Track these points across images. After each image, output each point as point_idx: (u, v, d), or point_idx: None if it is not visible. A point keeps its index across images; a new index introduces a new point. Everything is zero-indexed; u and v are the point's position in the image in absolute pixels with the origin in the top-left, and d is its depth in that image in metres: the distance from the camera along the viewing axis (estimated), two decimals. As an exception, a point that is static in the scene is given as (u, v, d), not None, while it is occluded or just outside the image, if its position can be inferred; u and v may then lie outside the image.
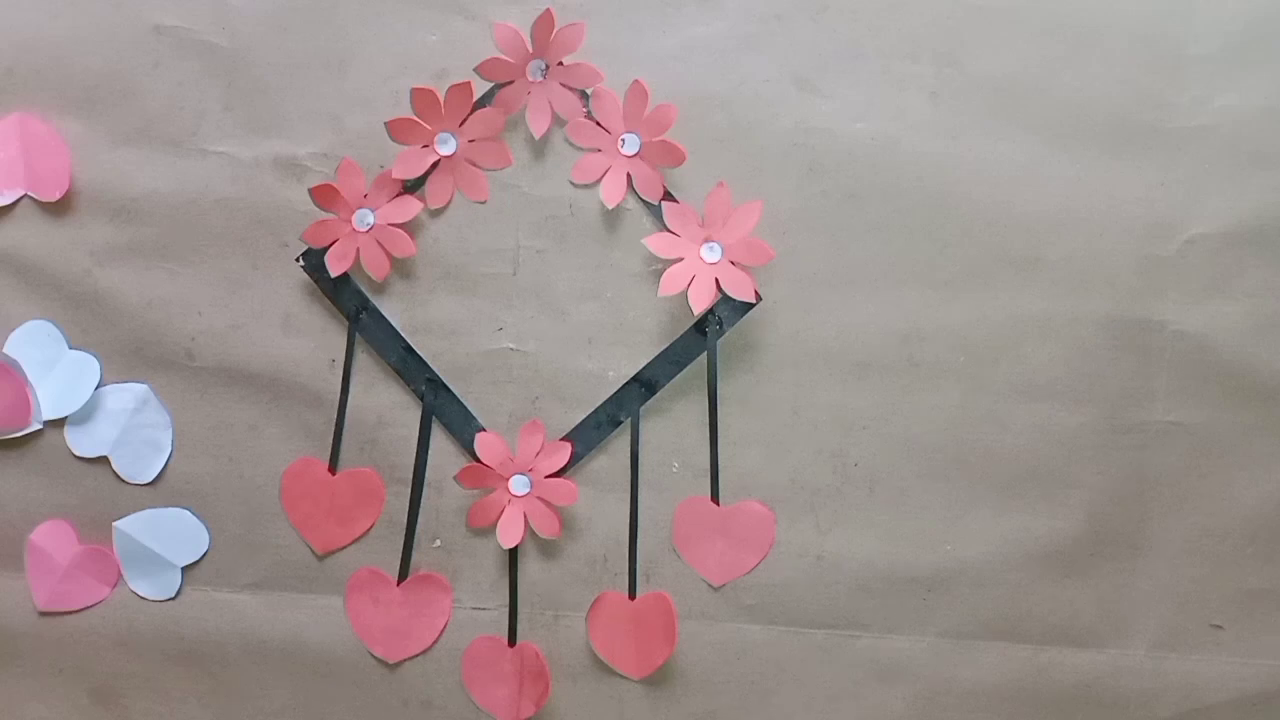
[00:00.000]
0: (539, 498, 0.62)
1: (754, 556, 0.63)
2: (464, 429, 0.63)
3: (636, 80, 0.60)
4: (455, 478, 0.62)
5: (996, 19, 0.62)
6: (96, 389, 0.64)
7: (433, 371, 0.63)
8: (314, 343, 0.64)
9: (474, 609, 0.64)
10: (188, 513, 0.64)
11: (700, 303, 0.61)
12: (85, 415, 0.64)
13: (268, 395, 0.64)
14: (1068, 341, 0.63)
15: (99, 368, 0.64)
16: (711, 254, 0.61)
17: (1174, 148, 0.62)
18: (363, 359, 0.64)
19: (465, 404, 0.63)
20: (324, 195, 0.61)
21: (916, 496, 0.63)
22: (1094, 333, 0.63)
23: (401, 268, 0.63)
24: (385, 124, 0.61)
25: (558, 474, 0.62)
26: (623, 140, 0.62)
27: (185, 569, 0.64)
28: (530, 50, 0.61)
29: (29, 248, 0.64)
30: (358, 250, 0.62)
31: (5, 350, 0.63)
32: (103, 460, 0.64)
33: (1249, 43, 0.62)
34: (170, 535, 0.64)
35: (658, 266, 0.62)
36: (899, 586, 0.64)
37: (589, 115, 0.62)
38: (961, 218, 0.63)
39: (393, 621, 0.64)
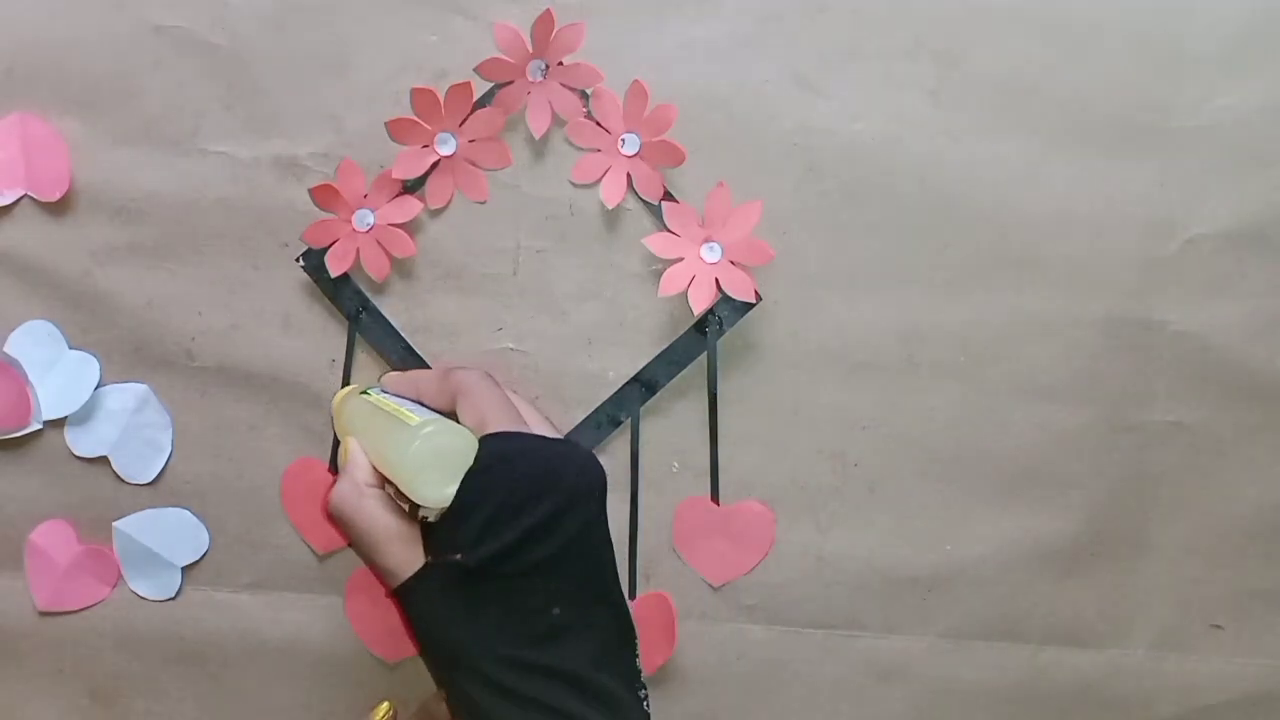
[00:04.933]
0: (539, 498, 0.62)
1: (754, 556, 0.63)
2: (464, 429, 0.63)
3: (636, 80, 0.60)
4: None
5: (996, 19, 0.62)
6: (96, 389, 0.63)
7: (433, 371, 0.63)
8: (314, 343, 0.64)
9: (474, 609, 0.64)
10: (188, 513, 0.64)
11: (700, 303, 0.61)
12: (85, 415, 0.64)
13: (268, 395, 0.64)
14: (1068, 341, 0.63)
15: (99, 368, 0.64)
16: (711, 254, 0.61)
17: (1174, 148, 0.62)
18: (363, 359, 0.64)
19: (465, 404, 0.63)
20: (324, 195, 0.61)
21: (916, 496, 0.63)
22: (1094, 333, 0.63)
23: (401, 268, 0.63)
24: (385, 124, 0.61)
25: (558, 474, 0.62)
26: (623, 140, 0.62)
27: (185, 569, 0.65)
28: (530, 50, 0.61)
29: (29, 248, 0.64)
30: (358, 250, 0.62)
31: (5, 350, 0.63)
32: (103, 460, 0.64)
33: (1249, 43, 0.62)
34: (170, 535, 0.64)
35: (658, 266, 0.62)
36: (899, 586, 0.64)
37: (589, 115, 0.62)
38: (961, 218, 0.62)
39: (393, 621, 0.64)
